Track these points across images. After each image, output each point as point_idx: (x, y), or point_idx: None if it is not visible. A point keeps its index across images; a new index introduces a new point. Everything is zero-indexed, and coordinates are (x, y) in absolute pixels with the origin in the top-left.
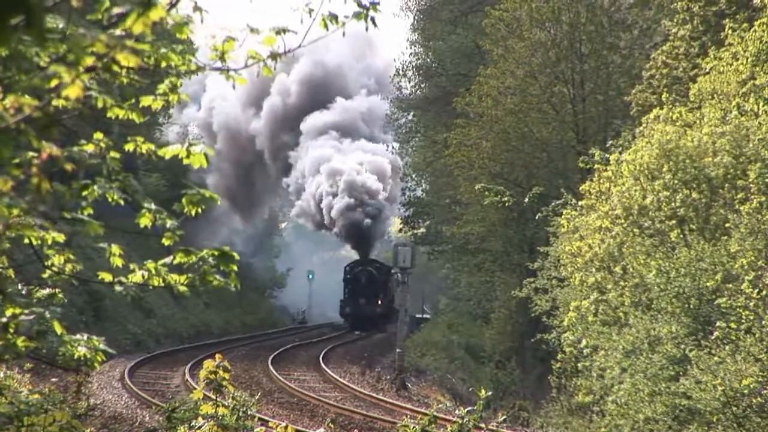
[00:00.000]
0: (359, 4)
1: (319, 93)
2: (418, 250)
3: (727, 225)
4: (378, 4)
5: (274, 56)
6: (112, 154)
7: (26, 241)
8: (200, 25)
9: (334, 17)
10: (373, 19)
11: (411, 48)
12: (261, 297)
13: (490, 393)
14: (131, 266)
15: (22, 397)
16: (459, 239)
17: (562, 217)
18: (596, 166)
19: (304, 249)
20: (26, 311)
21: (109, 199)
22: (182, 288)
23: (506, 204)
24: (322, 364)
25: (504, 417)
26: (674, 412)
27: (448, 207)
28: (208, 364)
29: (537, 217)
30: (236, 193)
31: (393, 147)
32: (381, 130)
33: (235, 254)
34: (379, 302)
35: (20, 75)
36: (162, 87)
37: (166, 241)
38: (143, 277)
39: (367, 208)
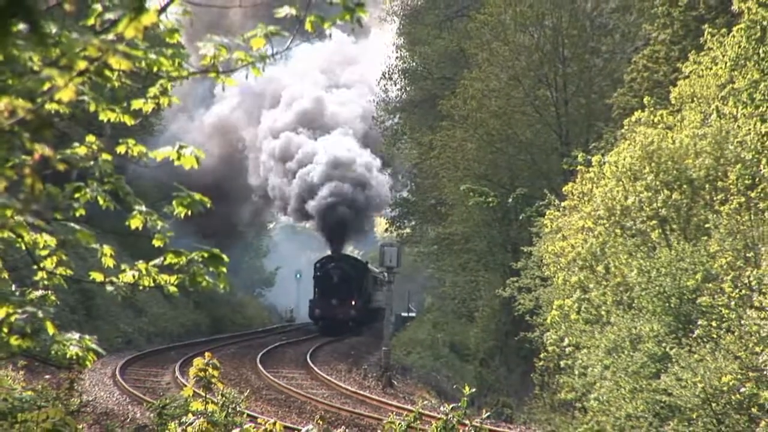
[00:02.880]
0: (345, 5)
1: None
2: (403, 249)
3: (707, 225)
4: (363, 4)
5: (262, 58)
6: (104, 156)
7: (19, 242)
8: (196, 25)
9: (320, 19)
10: (359, 20)
11: (397, 52)
12: (250, 296)
13: (474, 390)
14: (122, 266)
15: (16, 394)
16: (444, 239)
17: (545, 217)
18: (579, 167)
19: (292, 249)
20: (19, 311)
21: (101, 202)
22: (172, 288)
23: (490, 205)
24: (310, 362)
25: (488, 414)
26: (655, 409)
27: (433, 207)
28: (198, 362)
29: (520, 218)
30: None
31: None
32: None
33: (224, 257)
34: (353, 303)
35: (14, 78)
36: (153, 90)
37: (156, 243)
38: (134, 277)
39: (348, 195)
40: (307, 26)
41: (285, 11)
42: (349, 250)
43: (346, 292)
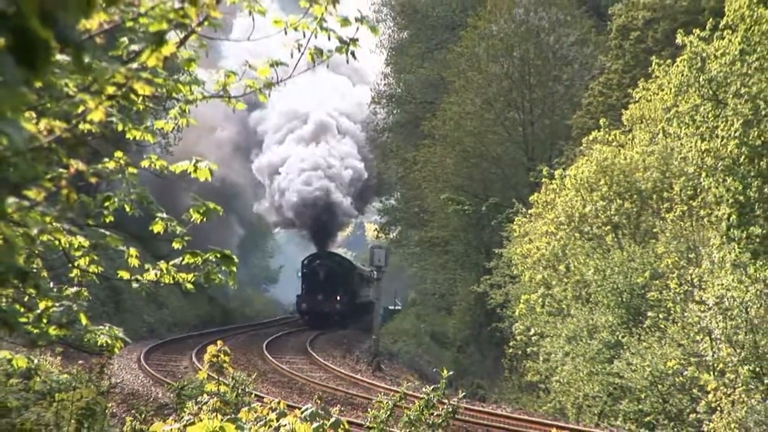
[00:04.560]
0: (341, 40)
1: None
2: (391, 251)
3: (654, 230)
4: (357, 40)
5: (268, 85)
6: (130, 169)
7: (57, 245)
8: (211, 53)
9: (319, 51)
10: (353, 53)
11: (385, 80)
12: (257, 291)
13: (452, 373)
14: (146, 266)
15: (54, 377)
16: (426, 242)
17: (514, 223)
18: (543, 179)
19: (294, 250)
20: (57, 304)
21: (127, 209)
22: (189, 285)
23: (466, 212)
24: (309, 349)
25: (464, 394)
26: (609, 390)
27: (416, 214)
28: (212, 349)
29: (492, 223)
30: None
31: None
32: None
33: (235, 257)
34: (338, 298)
35: (52, 102)
36: (173, 112)
37: (176, 245)
38: (156, 275)
39: (325, 193)
40: (308, 57)
41: (290, 42)
42: (342, 251)
43: (331, 288)
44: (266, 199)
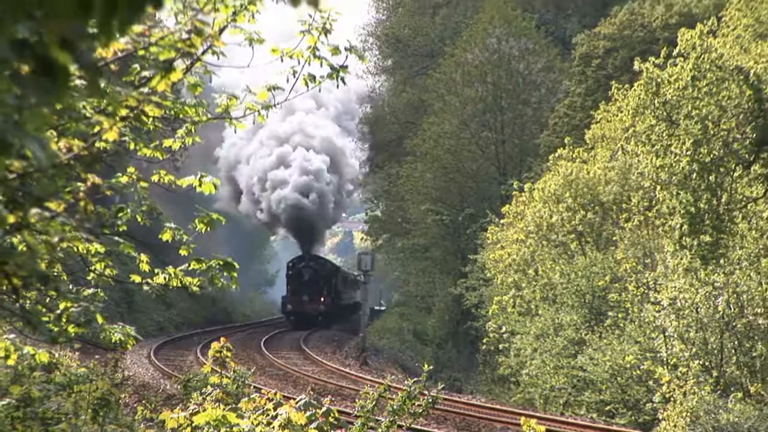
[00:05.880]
0: (331, 67)
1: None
2: (376, 257)
3: (614, 238)
4: (346, 67)
5: (266, 107)
6: (141, 183)
7: (75, 251)
8: (215, 74)
9: (312, 77)
10: (342, 78)
11: (371, 102)
12: (256, 293)
13: (431, 367)
14: (156, 270)
15: (73, 370)
16: (408, 248)
17: (488, 231)
18: (514, 192)
19: (290, 255)
20: (75, 305)
21: (138, 219)
22: (195, 288)
23: (444, 222)
24: (303, 346)
25: (442, 386)
26: (573, 382)
27: (400, 224)
28: (215, 345)
29: (468, 232)
30: None
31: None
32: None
33: (236, 264)
34: (322, 299)
35: (71, 122)
36: (180, 132)
37: (182, 252)
38: (165, 279)
39: (311, 197)
40: (302, 82)
41: (286, 69)
42: (332, 257)
43: (315, 289)
44: (246, 197)
